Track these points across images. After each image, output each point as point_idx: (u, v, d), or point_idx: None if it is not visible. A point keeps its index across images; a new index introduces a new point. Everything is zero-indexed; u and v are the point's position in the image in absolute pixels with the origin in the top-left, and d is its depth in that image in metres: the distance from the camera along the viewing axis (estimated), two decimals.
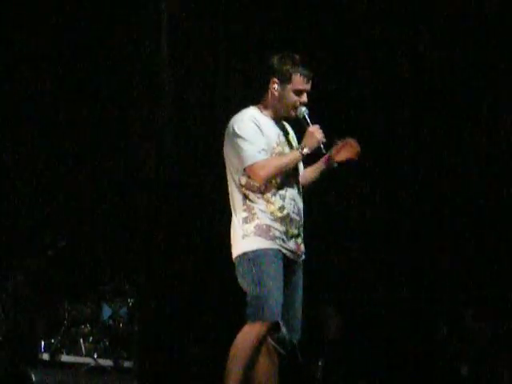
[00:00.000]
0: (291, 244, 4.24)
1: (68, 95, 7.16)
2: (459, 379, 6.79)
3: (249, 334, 4.09)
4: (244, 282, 4.17)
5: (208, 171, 7.00)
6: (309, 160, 4.41)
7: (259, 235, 4.16)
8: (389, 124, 7.55)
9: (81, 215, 7.19)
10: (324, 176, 4.45)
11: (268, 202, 4.21)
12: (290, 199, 4.27)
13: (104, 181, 7.24)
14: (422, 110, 7.51)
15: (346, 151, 4.33)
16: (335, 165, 4.37)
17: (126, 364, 6.45)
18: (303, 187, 4.43)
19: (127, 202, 7.25)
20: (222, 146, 4.31)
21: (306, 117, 4.28)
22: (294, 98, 4.26)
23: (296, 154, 4.23)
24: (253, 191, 4.20)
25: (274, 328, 4.10)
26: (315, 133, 4.23)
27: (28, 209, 7.02)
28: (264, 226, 4.17)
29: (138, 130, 7.31)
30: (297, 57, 4.28)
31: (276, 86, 4.25)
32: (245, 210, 4.20)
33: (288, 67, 4.24)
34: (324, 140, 4.24)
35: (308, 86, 4.28)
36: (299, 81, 4.24)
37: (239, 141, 4.16)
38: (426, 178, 7.42)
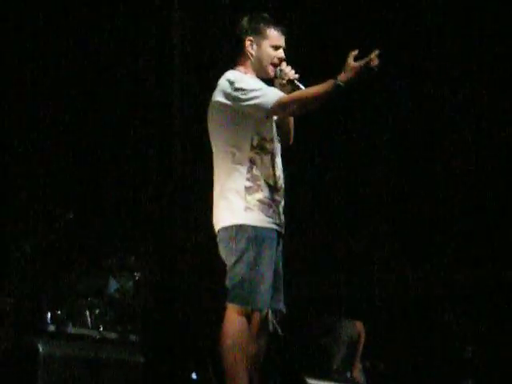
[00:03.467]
0: (282, 217, 4.07)
1: None
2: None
3: (240, 321, 3.91)
4: (232, 256, 3.94)
5: None
6: None
7: (262, 211, 3.96)
8: None
9: (89, 188, 7.22)
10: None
11: (273, 169, 4.00)
12: (279, 169, 4.09)
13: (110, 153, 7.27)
14: None
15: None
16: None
17: (132, 337, 6.46)
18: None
19: (135, 175, 7.28)
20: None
21: (296, 82, 4.01)
22: (273, 53, 4.07)
23: (330, 84, 3.80)
24: (264, 153, 3.97)
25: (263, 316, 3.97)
26: (356, 66, 3.77)
27: (35, 181, 7.04)
28: (267, 201, 3.98)
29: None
30: (266, 15, 4.14)
31: (252, 44, 4.07)
32: (248, 179, 3.97)
33: (261, 24, 4.08)
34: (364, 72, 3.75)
35: (283, 42, 4.10)
36: (275, 35, 4.08)
37: (251, 93, 3.88)
38: None
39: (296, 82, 4.04)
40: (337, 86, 3.79)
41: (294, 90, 4.01)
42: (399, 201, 7.49)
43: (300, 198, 7.11)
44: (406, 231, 7.41)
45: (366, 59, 3.80)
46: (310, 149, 7.36)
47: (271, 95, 3.91)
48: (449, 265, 7.21)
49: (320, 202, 7.56)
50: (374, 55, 3.79)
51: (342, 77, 3.79)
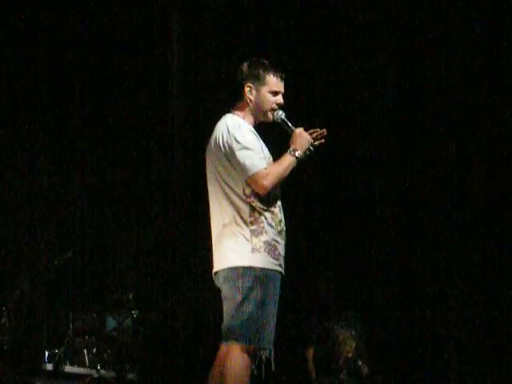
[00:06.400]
0: (283, 260, 4.13)
1: None
2: None
3: (245, 360, 3.96)
4: (239, 294, 3.99)
5: None
6: None
7: (268, 253, 4.02)
8: None
9: (87, 226, 7.24)
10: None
11: (273, 213, 4.08)
12: (280, 212, 4.16)
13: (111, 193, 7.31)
14: None
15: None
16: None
17: (129, 376, 6.44)
18: None
19: (135, 216, 7.31)
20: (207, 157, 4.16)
21: (286, 119, 4.19)
22: (271, 99, 4.17)
23: (291, 159, 4.08)
24: (260, 201, 4.04)
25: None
26: (303, 133, 4.13)
27: (37, 219, 7.06)
28: (272, 243, 4.04)
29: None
30: (266, 61, 4.22)
31: (252, 90, 4.17)
32: (252, 223, 4.04)
33: (260, 70, 4.17)
34: (313, 141, 4.13)
35: (282, 88, 4.21)
36: (273, 82, 4.18)
37: (243, 150, 4.02)
38: None
39: (287, 121, 4.21)
40: (296, 159, 4.10)
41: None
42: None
43: None
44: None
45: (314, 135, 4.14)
46: None
47: (257, 163, 4.03)
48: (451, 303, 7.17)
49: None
50: (319, 134, 4.15)
51: (298, 148, 4.11)
